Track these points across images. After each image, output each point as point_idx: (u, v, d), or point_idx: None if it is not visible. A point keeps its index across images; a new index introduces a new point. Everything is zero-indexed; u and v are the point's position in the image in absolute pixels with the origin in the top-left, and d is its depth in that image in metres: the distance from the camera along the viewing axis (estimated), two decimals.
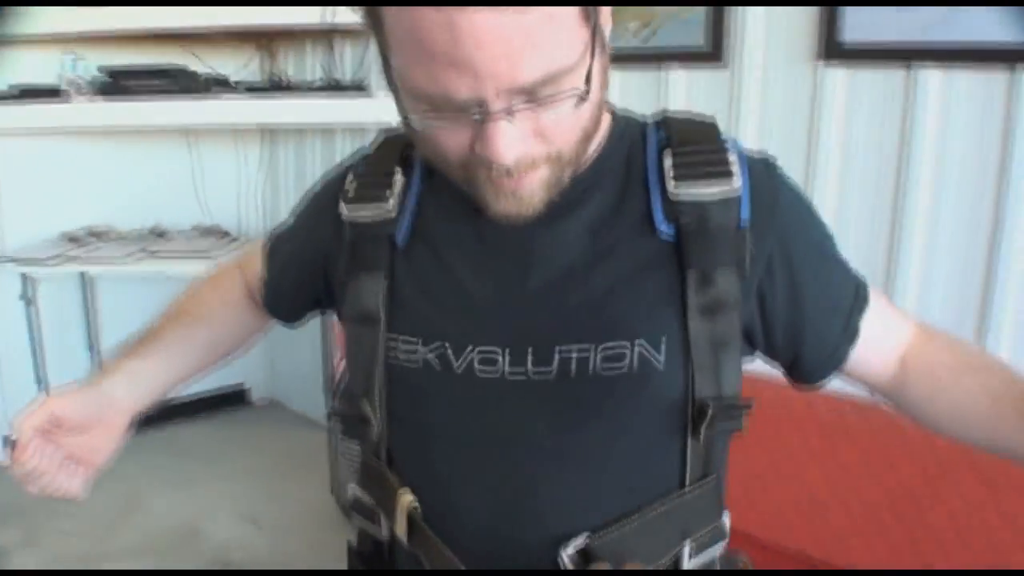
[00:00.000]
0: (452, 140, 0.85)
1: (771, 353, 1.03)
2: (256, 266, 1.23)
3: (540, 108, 0.81)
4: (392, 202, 1.01)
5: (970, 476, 1.95)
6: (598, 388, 0.92)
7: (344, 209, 1.04)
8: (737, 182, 0.94)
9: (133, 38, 3.49)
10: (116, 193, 3.83)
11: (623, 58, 2.56)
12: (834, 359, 1.02)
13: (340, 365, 3.09)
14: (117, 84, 3.29)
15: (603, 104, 0.91)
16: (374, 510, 1.05)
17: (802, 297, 0.98)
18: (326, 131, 3.75)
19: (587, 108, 0.85)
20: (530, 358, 0.93)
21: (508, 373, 0.94)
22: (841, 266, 1.03)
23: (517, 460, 0.95)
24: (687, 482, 0.96)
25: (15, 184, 3.62)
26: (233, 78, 3.67)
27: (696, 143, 0.96)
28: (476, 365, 0.94)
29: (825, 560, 2.10)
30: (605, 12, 0.87)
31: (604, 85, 0.89)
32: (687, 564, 0.96)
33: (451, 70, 0.77)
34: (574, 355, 0.92)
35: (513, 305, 0.95)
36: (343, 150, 3.70)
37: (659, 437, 0.95)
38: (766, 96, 2.37)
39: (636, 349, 0.92)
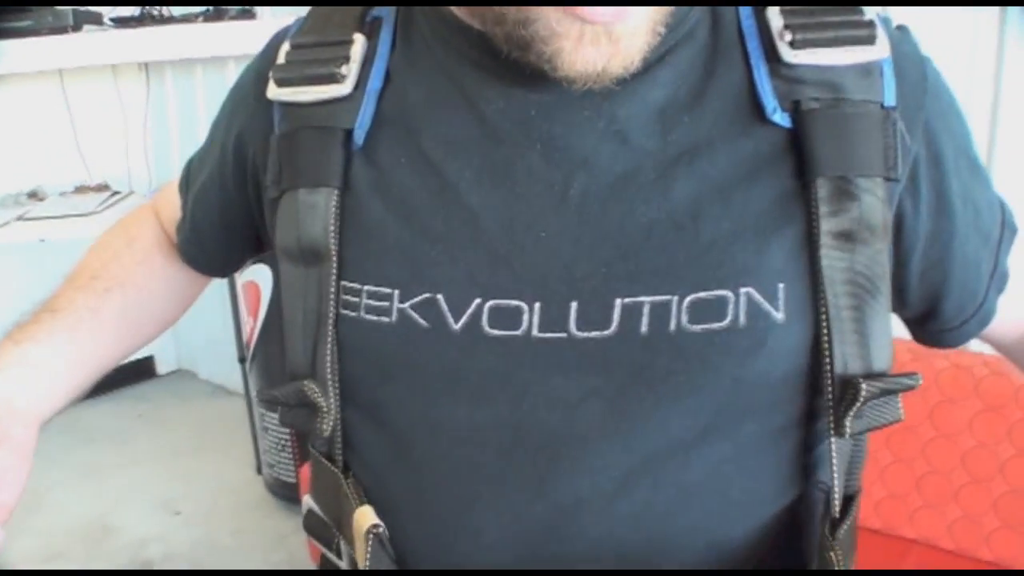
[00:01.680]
0: None
1: (898, 300, 0.73)
2: (173, 206, 0.90)
3: None
4: (349, 79, 0.69)
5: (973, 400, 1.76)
6: (684, 353, 0.63)
7: (274, 90, 0.72)
8: (882, 49, 0.64)
9: None
10: None
11: None
12: (982, 313, 0.74)
13: (253, 332, 2.80)
14: None
15: None
16: (332, 532, 0.75)
17: (951, 223, 0.70)
18: (216, 63, 3.46)
19: None
20: (574, 313, 0.63)
21: (539, 335, 0.64)
22: (987, 180, 0.74)
23: (551, 461, 0.65)
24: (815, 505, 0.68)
25: None
26: (107, 13, 3.35)
27: None
28: (486, 324, 0.65)
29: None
30: None
31: None
32: None
33: None
34: (646, 307, 0.62)
35: (546, 232, 0.65)
36: None
37: (774, 430, 0.66)
38: None
39: (743, 296, 0.62)
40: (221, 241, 0.88)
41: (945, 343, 0.77)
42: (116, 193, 3.46)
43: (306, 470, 0.81)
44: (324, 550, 0.77)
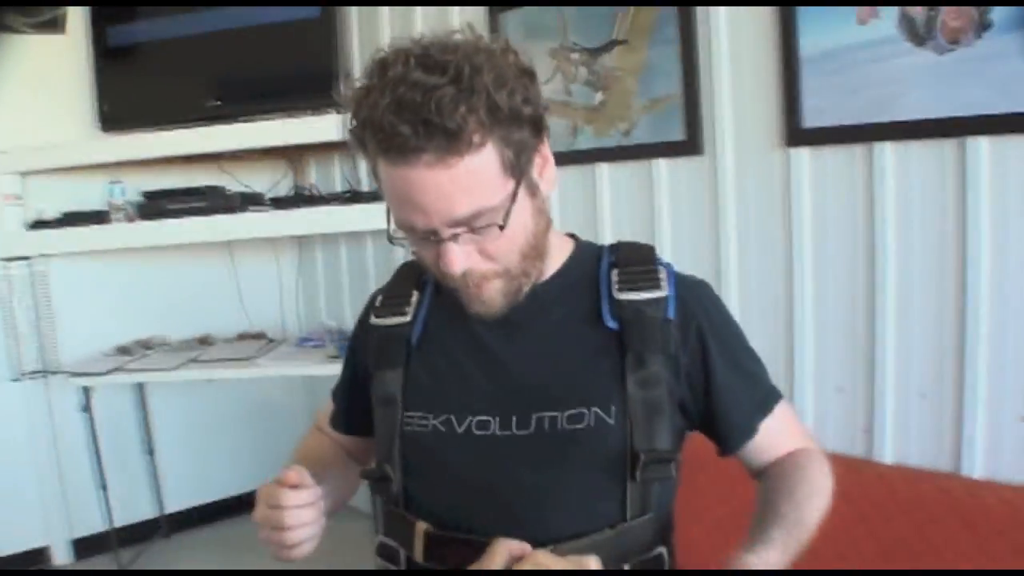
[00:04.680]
0: (430, 259, 1.16)
1: (689, 416, 1.27)
2: (326, 416, 1.53)
3: (478, 234, 1.10)
4: (410, 313, 1.32)
5: (953, 519, 2.00)
6: (565, 441, 1.18)
7: (373, 319, 1.35)
8: (665, 290, 1.24)
9: (171, 161, 3.65)
10: (164, 306, 3.97)
11: (611, 155, 2.79)
12: (730, 444, 1.31)
13: None
14: (156, 206, 3.47)
15: (543, 232, 1.20)
16: (395, 549, 1.27)
17: (717, 394, 1.26)
18: (355, 236, 3.86)
19: (519, 235, 1.14)
20: (514, 421, 1.20)
21: (498, 433, 1.21)
22: (752, 375, 1.31)
23: (506, 493, 1.20)
24: (627, 517, 1.19)
25: (71, 303, 3.76)
26: (267, 194, 3.82)
27: (636, 263, 1.25)
28: (474, 428, 1.22)
29: None
30: (540, 162, 1.14)
31: (538, 217, 1.18)
32: None
33: (409, 208, 1.09)
34: (546, 418, 1.19)
35: (500, 384, 1.23)
36: (373, 253, 3.81)
37: (609, 478, 1.19)
38: (741, 180, 2.49)
39: (592, 411, 1.18)
40: (356, 409, 1.43)
41: (720, 453, 1.33)
42: (272, 341, 3.90)
43: None
44: (390, 566, 1.30)
